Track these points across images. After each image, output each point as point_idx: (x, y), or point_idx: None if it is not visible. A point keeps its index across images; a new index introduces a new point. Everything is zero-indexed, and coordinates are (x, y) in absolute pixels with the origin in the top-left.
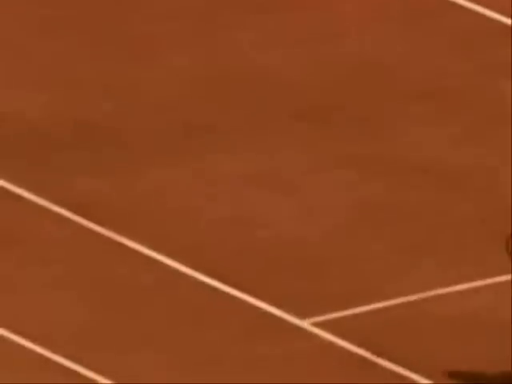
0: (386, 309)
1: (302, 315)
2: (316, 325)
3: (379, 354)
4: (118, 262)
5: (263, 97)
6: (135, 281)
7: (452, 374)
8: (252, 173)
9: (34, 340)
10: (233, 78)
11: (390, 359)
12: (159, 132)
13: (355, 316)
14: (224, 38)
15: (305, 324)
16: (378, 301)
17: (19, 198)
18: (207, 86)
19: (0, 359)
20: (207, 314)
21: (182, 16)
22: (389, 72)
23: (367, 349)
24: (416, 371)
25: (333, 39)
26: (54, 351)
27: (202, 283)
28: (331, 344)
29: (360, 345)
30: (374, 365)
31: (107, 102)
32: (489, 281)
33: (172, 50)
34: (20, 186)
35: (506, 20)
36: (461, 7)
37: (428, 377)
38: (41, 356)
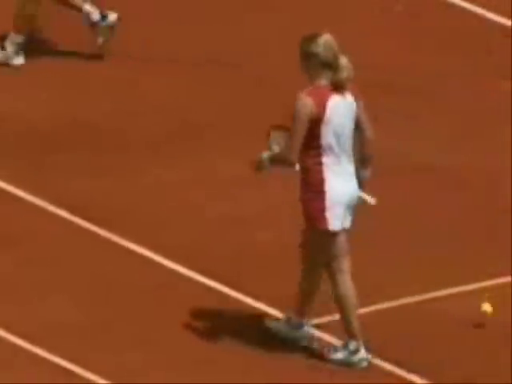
0: (386, 310)
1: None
2: (316, 327)
3: (380, 356)
4: (117, 262)
5: (263, 96)
6: (134, 281)
7: None
8: (252, 173)
9: (31, 340)
10: (233, 79)
11: (391, 360)
12: (159, 132)
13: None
14: (224, 38)
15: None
16: (379, 302)
17: (17, 198)
18: (207, 86)
19: (0, 360)
20: (205, 315)
21: (182, 16)
22: (388, 72)
23: (367, 350)
24: (416, 373)
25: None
26: (52, 352)
27: (201, 284)
28: (331, 345)
29: None
30: (375, 366)
31: (107, 102)
32: (489, 282)
33: (172, 50)
34: (18, 186)
35: (506, 21)
36: (461, 9)
37: (427, 378)
38: (38, 356)
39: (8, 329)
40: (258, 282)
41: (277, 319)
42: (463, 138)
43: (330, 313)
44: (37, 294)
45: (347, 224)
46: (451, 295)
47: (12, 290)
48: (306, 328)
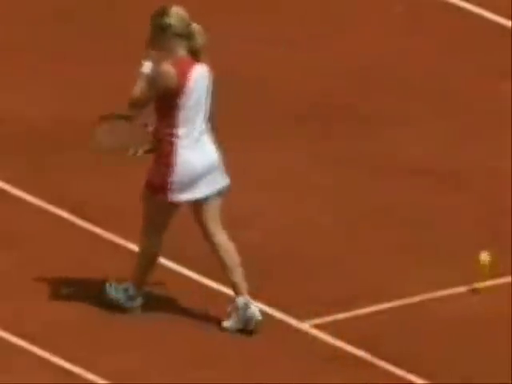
0: (386, 310)
1: (302, 317)
2: (317, 327)
3: (380, 356)
4: (117, 262)
5: (262, 97)
6: None
7: None
8: (250, 174)
9: (31, 341)
10: (233, 80)
11: (391, 361)
12: None
13: (355, 318)
14: (223, 38)
15: (305, 326)
16: (379, 302)
17: (17, 198)
18: None
19: (0, 361)
20: (205, 316)
21: None
22: (387, 73)
23: (367, 350)
24: (416, 373)
25: (332, 40)
26: (52, 352)
27: (200, 284)
28: (331, 346)
29: (361, 347)
30: (375, 367)
31: (106, 102)
32: (489, 283)
33: None
34: (18, 186)
35: (506, 22)
36: (461, 9)
37: (426, 378)
38: (38, 357)
39: (8, 329)
40: (258, 283)
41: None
42: (463, 139)
43: (329, 313)
44: (37, 294)
45: (195, 196)
46: (451, 295)
47: (12, 290)
48: (139, 298)
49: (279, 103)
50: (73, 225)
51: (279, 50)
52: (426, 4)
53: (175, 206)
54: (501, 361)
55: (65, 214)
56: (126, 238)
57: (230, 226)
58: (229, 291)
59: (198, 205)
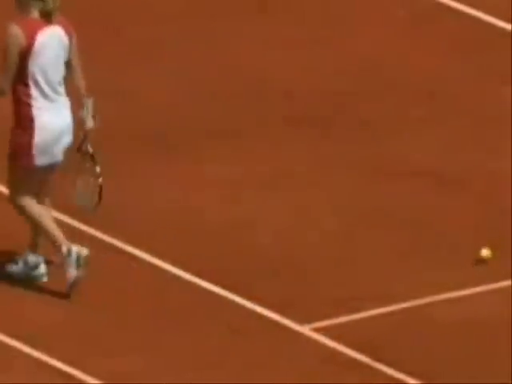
0: (386, 314)
1: (302, 320)
2: (316, 330)
3: (379, 360)
4: (116, 265)
5: (262, 99)
6: (133, 284)
7: None
8: (251, 176)
9: (30, 343)
10: (233, 82)
11: (390, 365)
12: (158, 136)
13: (356, 321)
14: (224, 41)
15: (305, 329)
16: (379, 306)
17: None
18: (207, 90)
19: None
20: (205, 319)
21: (182, 18)
22: (389, 76)
23: (367, 354)
24: (416, 377)
25: (333, 41)
26: (50, 354)
27: (200, 287)
28: (331, 349)
29: (360, 350)
30: (374, 370)
31: (105, 104)
32: (490, 286)
33: (171, 54)
34: None
35: (506, 25)
36: (461, 12)
37: (427, 381)
38: (37, 359)
39: (7, 331)
40: (258, 286)
41: (15, 262)
42: (463, 142)
43: (330, 316)
44: (36, 297)
45: (55, 159)
46: (452, 299)
47: (11, 293)
48: (42, 266)
49: (279, 103)
50: (71, 227)
51: (279, 50)
52: (427, 8)
53: (36, 170)
54: (501, 363)
55: (64, 218)
56: (126, 240)
57: (229, 226)
58: (227, 293)
59: (48, 168)
